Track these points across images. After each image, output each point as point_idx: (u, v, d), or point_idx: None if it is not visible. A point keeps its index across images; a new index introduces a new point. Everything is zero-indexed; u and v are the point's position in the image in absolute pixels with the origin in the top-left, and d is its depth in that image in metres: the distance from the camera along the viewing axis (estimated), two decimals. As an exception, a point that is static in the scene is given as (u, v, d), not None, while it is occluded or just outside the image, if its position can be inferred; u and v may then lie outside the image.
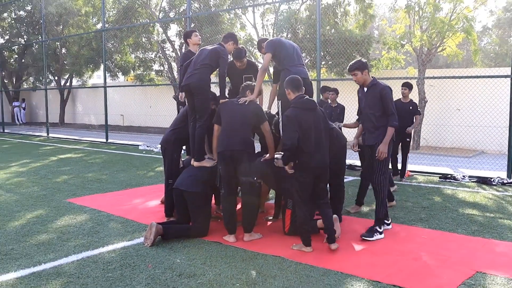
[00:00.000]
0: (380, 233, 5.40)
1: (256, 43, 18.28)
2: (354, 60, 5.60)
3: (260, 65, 6.27)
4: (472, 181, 8.98)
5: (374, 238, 5.30)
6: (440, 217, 6.31)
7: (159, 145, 6.53)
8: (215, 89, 5.97)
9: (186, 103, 6.04)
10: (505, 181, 8.71)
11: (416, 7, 15.45)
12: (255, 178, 5.36)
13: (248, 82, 5.84)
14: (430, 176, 9.63)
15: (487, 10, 32.61)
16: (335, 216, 5.31)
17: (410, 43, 15.65)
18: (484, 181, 8.85)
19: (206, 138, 5.90)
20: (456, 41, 15.48)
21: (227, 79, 6.66)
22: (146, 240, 5.08)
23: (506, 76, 9.32)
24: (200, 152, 5.72)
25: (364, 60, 5.58)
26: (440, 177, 9.31)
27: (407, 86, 9.00)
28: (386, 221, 5.68)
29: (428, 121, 15.68)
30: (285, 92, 5.18)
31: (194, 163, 5.71)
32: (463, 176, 9.23)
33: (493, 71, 15.76)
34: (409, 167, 10.10)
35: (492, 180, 8.81)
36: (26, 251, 4.90)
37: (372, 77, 5.57)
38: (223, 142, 5.30)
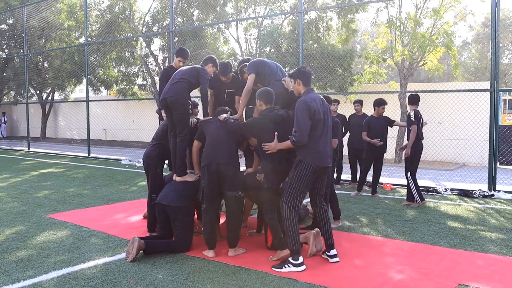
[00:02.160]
0: (295, 265, 4.70)
1: (238, 57, 18.42)
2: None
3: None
4: (453, 194, 9.06)
5: (284, 270, 4.69)
6: (422, 230, 6.34)
7: (141, 160, 6.48)
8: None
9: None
10: (486, 194, 8.80)
11: (397, 22, 15.65)
12: (239, 193, 5.36)
13: (226, 108, 5.79)
14: (412, 189, 9.67)
15: (467, 25, 33.17)
16: (317, 229, 5.32)
17: (391, 57, 15.82)
18: (465, 194, 8.93)
19: (188, 153, 5.88)
20: (437, 56, 15.68)
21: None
22: (128, 254, 5.02)
23: (485, 90, 9.46)
24: (182, 166, 5.70)
25: (305, 69, 5.07)
26: (422, 190, 9.36)
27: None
28: (293, 260, 4.78)
29: (410, 135, 15.80)
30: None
31: (177, 178, 5.68)
32: (445, 189, 9.31)
33: (473, 85, 16.00)
34: (392, 180, 10.18)
35: (473, 192, 8.90)
36: (5, 268, 4.81)
37: (308, 89, 5.03)
38: (209, 155, 5.28)
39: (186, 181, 5.62)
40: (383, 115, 9.08)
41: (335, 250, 5.06)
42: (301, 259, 4.76)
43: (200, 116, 6.16)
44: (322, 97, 5.16)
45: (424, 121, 8.34)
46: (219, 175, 5.22)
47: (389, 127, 9.08)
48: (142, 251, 5.10)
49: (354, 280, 4.47)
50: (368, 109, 9.62)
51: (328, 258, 5.04)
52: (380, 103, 8.96)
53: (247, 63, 6.13)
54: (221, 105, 6.44)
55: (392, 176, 11.56)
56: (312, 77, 5.24)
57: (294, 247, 4.78)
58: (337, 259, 5.01)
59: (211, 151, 5.29)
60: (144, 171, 6.34)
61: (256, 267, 4.81)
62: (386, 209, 7.75)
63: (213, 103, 6.61)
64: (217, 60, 6.17)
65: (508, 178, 10.11)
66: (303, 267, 4.73)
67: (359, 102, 10.02)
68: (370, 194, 8.96)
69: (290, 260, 4.76)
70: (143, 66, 23.22)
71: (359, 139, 9.35)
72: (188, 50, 6.78)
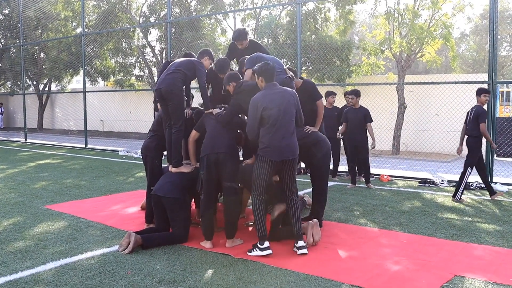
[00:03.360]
0: (261, 249, 4.92)
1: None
2: None
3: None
4: (450, 186, 9.08)
5: (251, 254, 4.94)
6: (419, 222, 6.36)
7: (139, 151, 6.47)
8: (196, 94, 5.96)
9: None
10: (483, 186, 8.81)
11: (395, 13, 15.62)
12: (238, 184, 5.36)
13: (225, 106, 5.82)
14: (409, 181, 9.72)
15: (465, 17, 33.11)
16: (315, 220, 5.34)
17: (389, 49, 15.80)
18: (462, 186, 8.95)
19: (184, 144, 5.88)
20: (435, 47, 15.67)
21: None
22: (120, 246, 5.03)
23: (483, 82, 9.45)
24: (177, 157, 5.69)
25: (267, 66, 5.15)
26: (419, 182, 9.40)
27: None
28: (259, 245, 4.98)
29: (408, 127, 15.84)
30: None
31: (172, 169, 5.68)
32: (442, 180, 9.33)
33: (471, 77, 15.98)
34: (389, 172, 10.19)
35: (470, 184, 8.92)
36: (3, 258, 4.81)
37: (268, 85, 5.11)
38: (208, 146, 5.28)
39: (181, 172, 5.62)
40: (363, 107, 9.14)
41: (303, 241, 5.08)
42: (266, 244, 4.93)
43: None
44: (284, 89, 5.16)
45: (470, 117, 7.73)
46: (218, 166, 5.22)
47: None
48: (140, 246, 5.10)
49: (350, 271, 4.49)
50: (364, 101, 9.60)
51: (296, 250, 5.04)
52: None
53: (247, 57, 6.11)
54: (218, 98, 6.43)
55: (389, 168, 11.60)
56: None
57: (260, 233, 4.98)
58: (304, 250, 5.00)
59: (210, 142, 5.29)
60: (142, 162, 6.34)
61: (254, 258, 4.82)
62: (383, 200, 7.77)
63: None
64: (213, 53, 6.16)
65: (505, 170, 10.14)
66: (269, 251, 4.90)
67: (334, 94, 10.07)
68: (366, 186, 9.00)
69: (257, 244, 4.96)
70: (140, 57, 23.16)
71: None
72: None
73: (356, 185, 9.05)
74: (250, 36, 7.36)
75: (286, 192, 5.22)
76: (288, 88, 5.25)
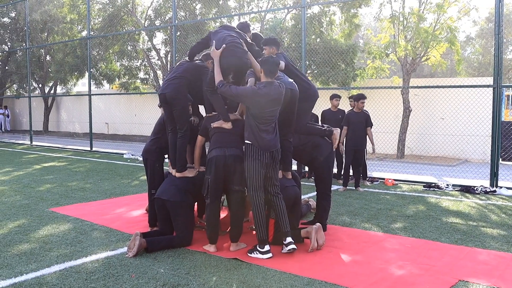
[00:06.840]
0: (261, 253, 4.97)
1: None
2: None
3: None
4: (455, 190, 9.06)
5: (252, 255, 4.99)
6: (424, 226, 6.35)
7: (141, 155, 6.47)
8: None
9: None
10: (488, 190, 8.80)
11: (400, 17, 15.61)
12: (244, 187, 5.36)
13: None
14: (414, 185, 9.69)
15: (470, 20, 33.13)
16: (318, 224, 5.33)
17: (394, 52, 15.78)
18: (467, 190, 8.93)
19: (189, 149, 5.88)
20: (440, 51, 15.63)
21: None
22: (129, 249, 5.03)
23: (488, 86, 9.43)
24: (182, 162, 5.68)
25: (271, 59, 5.17)
26: (424, 186, 9.37)
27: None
28: (260, 248, 5.03)
29: (413, 130, 15.82)
30: None
31: (176, 174, 5.67)
32: (447, 184, 9.31)
33: (476, 81, 15.95)
34: (394, 176, 10.16)
35: (475, 188, 8.89)
36: (7, 261, 4.83)
37: (268, 82, 5.10)
38: (216, 148, 5.25)
39: (185, 176, 5.62)
40: (363, 111, 9.24)
41: (290, 238, 5.10)
42: (267, 248, 4.98)
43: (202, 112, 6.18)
44: (280, 92, 5.12)
45: None
46: (226, 168, 5.18)
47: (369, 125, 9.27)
48: (144, 249, 5.10)
49: (354, 276, 4.48)
50: (369, 105, 9.61)
51: (284, 247, 5.08)
52: (359, 98, 9.21)
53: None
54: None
55: (394, 172, 11.58)
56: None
57: (260, 236, 5.03)
58: (292, 246, 5.04)
59: (218, 144, 5.26)
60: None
61: (257, 262, 4.82)
62: (387, 204, 7.75)
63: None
64: None
65: (510, 174, 10.12)
66: (269, 255, 4.95)
67: (338, 97, 10.08)
68: (371, 189, 8.97)
69: (258, 248, 5.00)
70: (146, 60, 23.23)
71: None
72: None
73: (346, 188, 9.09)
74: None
75: (270, 189, 5.20)
76: (282, 89, 5.21)
